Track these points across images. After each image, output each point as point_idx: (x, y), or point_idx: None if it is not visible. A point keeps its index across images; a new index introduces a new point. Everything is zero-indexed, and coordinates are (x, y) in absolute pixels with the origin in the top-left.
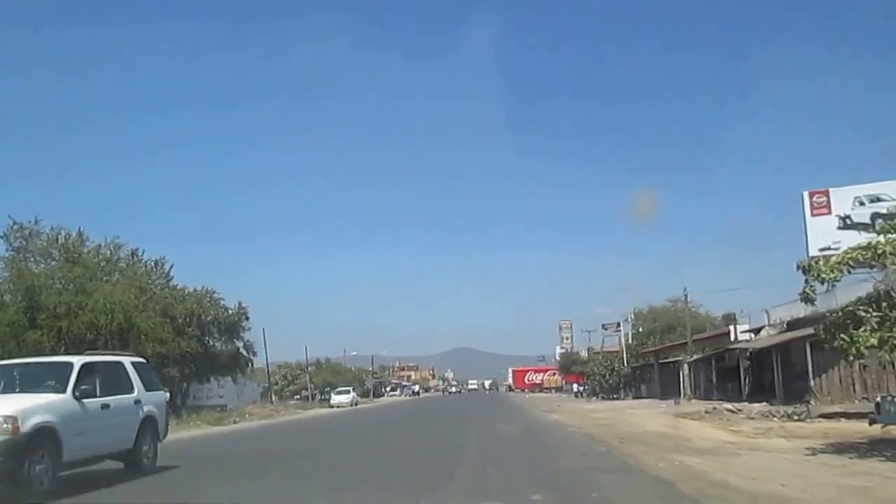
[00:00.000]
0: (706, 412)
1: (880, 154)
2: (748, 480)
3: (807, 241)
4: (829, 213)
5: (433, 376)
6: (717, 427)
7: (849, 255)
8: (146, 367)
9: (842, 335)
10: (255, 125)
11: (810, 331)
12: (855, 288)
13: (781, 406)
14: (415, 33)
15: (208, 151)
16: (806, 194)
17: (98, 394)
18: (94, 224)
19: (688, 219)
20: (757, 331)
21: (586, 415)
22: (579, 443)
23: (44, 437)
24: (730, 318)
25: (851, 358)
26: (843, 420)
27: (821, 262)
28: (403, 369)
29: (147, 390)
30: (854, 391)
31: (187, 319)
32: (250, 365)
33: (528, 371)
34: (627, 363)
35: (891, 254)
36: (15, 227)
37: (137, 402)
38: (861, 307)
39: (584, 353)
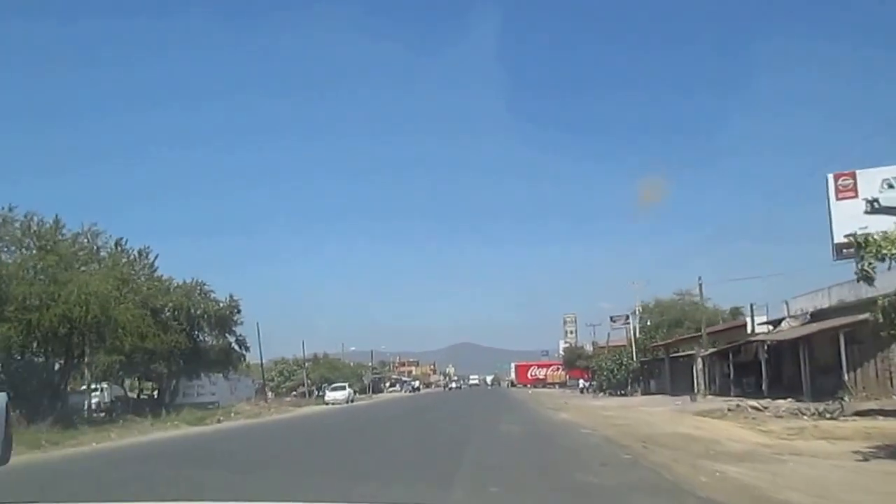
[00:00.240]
0: (729, 410)
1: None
2: (817, 499)
3: (831, 227)
4: (856, 196)
5: (434, 372)
6: (744, 427)
7: None
8: None
9: None
10: (254, 119)
11: (844, 320)
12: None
13: (811, 403)
14: (417, 26)
15: (208, 146)
16: (830, 177)
17: None
18: (93, 220)
19: (690, 214)
20: (775, 323)
21: (597, 413)
22: (598, 448)
23: None
24: (737, 312)
25: None
26: (880, 418)
27: (877, 237)
28: (404, 365)
29: None
30: (892, 386)
31: (175, 313)
32: (243, 360)
33: (531, 366)
34: (636, 357)
35: None
36: None
37: None
38: None
39: (588, 348)
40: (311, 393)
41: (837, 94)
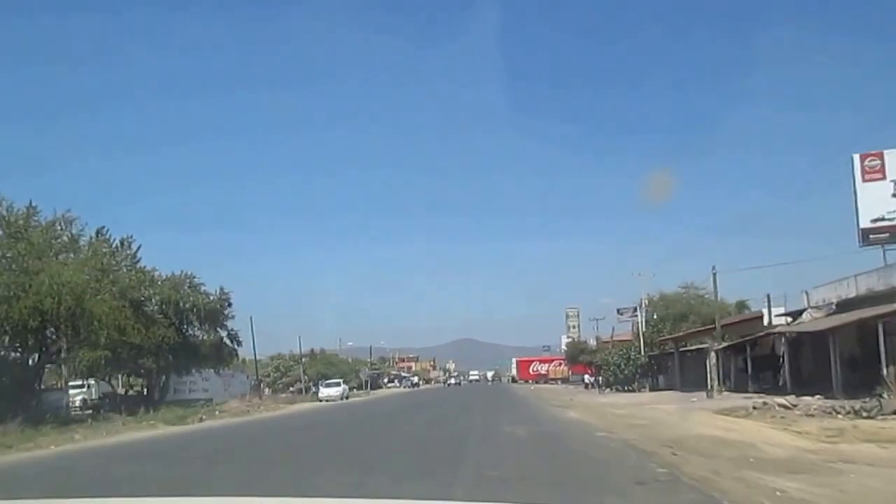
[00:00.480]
0: (755, 408)
1: None
2: None
3: (857, 210)
4: (884, 177)
5: (434, 367)
6: (775, 427)
7: None
8: None
9: None
10: (253, 113)
11: (881, 310)
12: None
13: (844, 400)
14: (418, 19)
15: (209, 141)
16: (857, 157)
17: None
18: (93, 216)
19: (692, 208)
20: (795, 314)
21: (608, 411)
22: (621, 457)
23: None
24: (743, 305)
25: None
26: None
27: None
28: (403, 360)
29: None
30: None
31: (162, 306)
32: (235, 355)
33: (532, 361)
34: (644, 352)
35: None
36: None
37: None
38: None
39: (592, 343)
40: (307, 389)
41: (842, 86)
